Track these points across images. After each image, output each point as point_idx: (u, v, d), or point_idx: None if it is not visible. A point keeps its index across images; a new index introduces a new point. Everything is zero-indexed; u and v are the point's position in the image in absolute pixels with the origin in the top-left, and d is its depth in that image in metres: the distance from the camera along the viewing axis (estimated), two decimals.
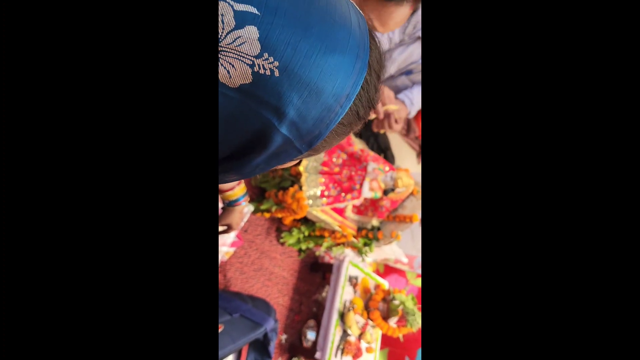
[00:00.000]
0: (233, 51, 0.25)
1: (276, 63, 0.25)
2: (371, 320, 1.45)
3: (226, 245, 1.27)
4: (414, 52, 1.21)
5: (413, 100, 1.26)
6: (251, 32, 0.24)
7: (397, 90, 1.31)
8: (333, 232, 1.43)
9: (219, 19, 0.24)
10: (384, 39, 1.13)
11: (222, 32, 0.24)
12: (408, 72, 1.28)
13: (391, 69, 1.25)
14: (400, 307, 1.43)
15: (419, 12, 1.09)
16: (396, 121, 1.17)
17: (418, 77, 1.27)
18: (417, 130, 1.85)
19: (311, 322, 1.51)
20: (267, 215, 1.38)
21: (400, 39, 1.16)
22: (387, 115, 1.15)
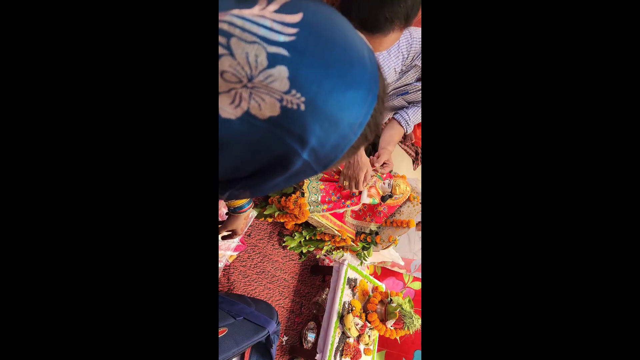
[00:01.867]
0: (264, 87, 0.28)
1: (303, 98, 0.28)
2: (369, 322, 1.48)
3: (230, 249, 1.31)
4: (409, 77, 1.31)
5: (409, 120, 1.39)
6: (282, 71, 0.27)
7: (394, 110, 1.44)
8: (333, 236, 1.47)
9: (254, 59, 0.28)
10: (391, 72, 1.22)
11: (255, 71, 0.27)
12: (404, 93, 1.37)
13: (389, 89, 1.33)
14: (398, 310, 1.46)
15: (416, 44, 1.19)
16: (384, 164, 1.29)
17: (411, 97, 1.37)
18: (413, 137, 1.90)
19: (311, 324, 1.54)
20: (269, 220, 1.42)
21: (401, 69, 1.26)
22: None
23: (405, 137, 1.89)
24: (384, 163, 1.36)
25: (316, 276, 1.65)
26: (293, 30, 0.28)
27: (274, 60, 0.27)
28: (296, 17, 0.28)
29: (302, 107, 0.28)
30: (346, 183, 1.25)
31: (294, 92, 0.28)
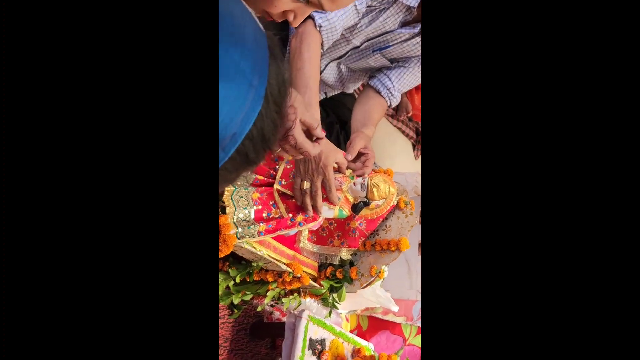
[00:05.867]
0: None
1: None
2: None
3: None
4: (389, 20, 0.97)
5: (392, 87, 1.04)
6: None
7: (372, 72, 1.10)
8: (280, 274, 1.06)
9: None
10: (350, 11, 0.91)
11: None
12: (383, 47, 1.03)
13: (356, 40, 1.02)
14: None
15: None
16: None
17: (395, 52, 1.01)
18: (410, 107, 1.34)
19: None
20: None
21: (368, 5, 0.94)
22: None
23: (397, 109, 1.37)
24: (360, 154, 0.98)
25: (260, 340, 1.23)
26: None
27: None
28: None
29: None
30: (306, 184, 0.92)
31: None
